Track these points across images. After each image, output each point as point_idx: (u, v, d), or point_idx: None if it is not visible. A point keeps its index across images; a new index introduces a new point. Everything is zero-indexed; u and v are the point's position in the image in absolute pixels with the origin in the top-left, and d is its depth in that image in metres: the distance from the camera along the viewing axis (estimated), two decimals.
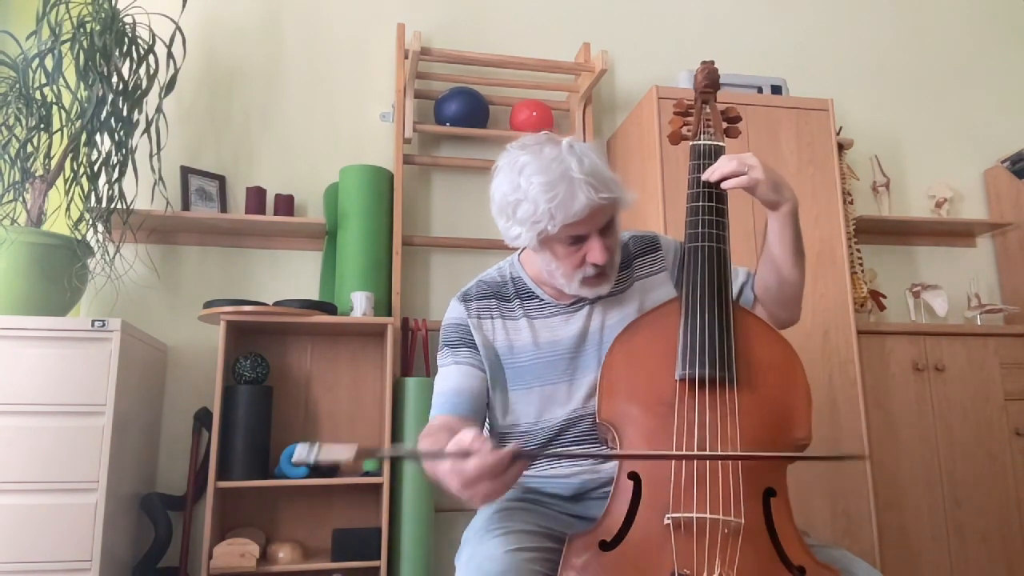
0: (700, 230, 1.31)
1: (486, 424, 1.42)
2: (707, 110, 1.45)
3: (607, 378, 1.23)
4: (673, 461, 1.12)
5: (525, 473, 1.30)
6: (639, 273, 1.43)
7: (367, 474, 2.46)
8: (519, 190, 1.25)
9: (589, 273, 1.31)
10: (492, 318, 1.40)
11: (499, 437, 1.39)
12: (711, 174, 1.31)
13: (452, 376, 1.37)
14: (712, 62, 1.47)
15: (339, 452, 0.93)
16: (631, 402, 1.20)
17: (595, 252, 1.28)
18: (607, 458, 1.15)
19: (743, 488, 1.10)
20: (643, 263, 1.44)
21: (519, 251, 1.49)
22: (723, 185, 1.31)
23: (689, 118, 1.46)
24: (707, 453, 1.12)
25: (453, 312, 1.43)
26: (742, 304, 1.39)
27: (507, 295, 1.43)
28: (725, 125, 1.46)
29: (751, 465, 1.12)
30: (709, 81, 1.45)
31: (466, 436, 1.02)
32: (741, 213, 2.34)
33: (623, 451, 1.16)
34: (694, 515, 1.08)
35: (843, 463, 2.47)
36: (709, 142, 1.39)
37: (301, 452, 0.95)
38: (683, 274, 1.31)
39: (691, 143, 1.42)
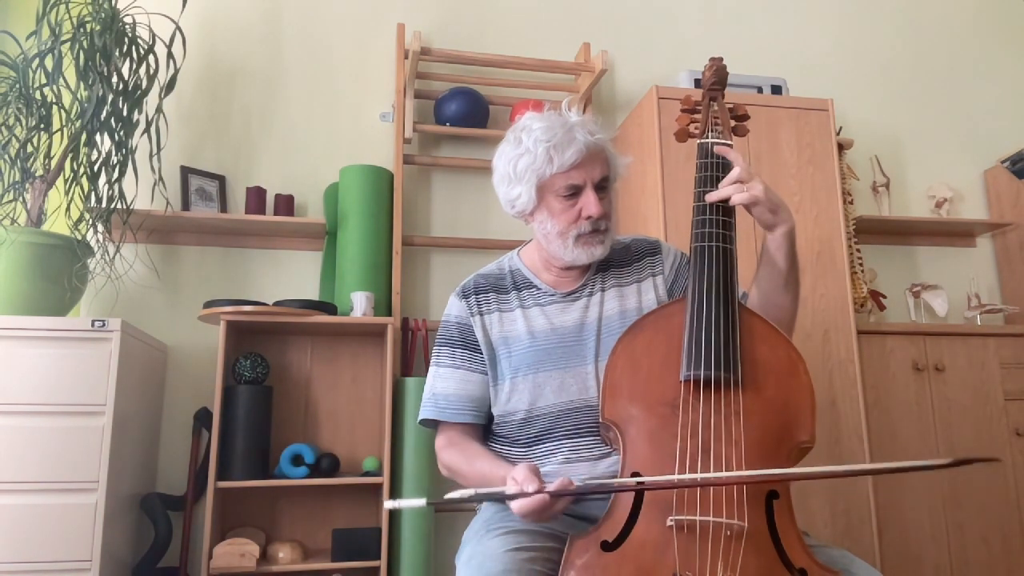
0: (707, 230, 1.29)
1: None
2: (715, 107, 1.43)
3: (610, 378, 1.22)
4: (676, 460, 1.12)
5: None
6: (638, 275, 1.45)
7: (367, 474, 2.46)
8: (521, 145, 1.34)
9: (584, 230, 1.35)
10: (491, 312, 1.43)
11: (498, 426, 1.41)
12: (713, 197, 1.30)
13: (452, 379, 1.41)
14: (720, 58, 1.44)
15: (412, 503, 1.07)
16: (634, 402, 1.20)
17: (591, 205, 1.33)
18: (635, 490, 1.11)
19: (747, 492, 1.09)
20: (643, 265, 1.46)
21: (518, 248, 1.53)
22: (732, 203, 1.29)
23: (696, 115, 1.44)
24: (731, 475, 1.09)
25: (454, 309, 1.47)
26: None
27: (504, 287, 1.46)
28: (733, 123, 1.44)
29: (754, 468, 1.11)
30: (717, 78, 1.42)
31: (519, 472, 1.11)
32: (740, 211, 2.34)
33: (648, 481, 1.12)
34: (697, 518, 1.07)
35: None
36: (717, 140, 1.37)
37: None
38: (689, 274, 1.30)
39: (698, 141, 1.40)
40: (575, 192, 1.34)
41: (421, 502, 1.04)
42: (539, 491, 1.07)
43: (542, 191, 1.35)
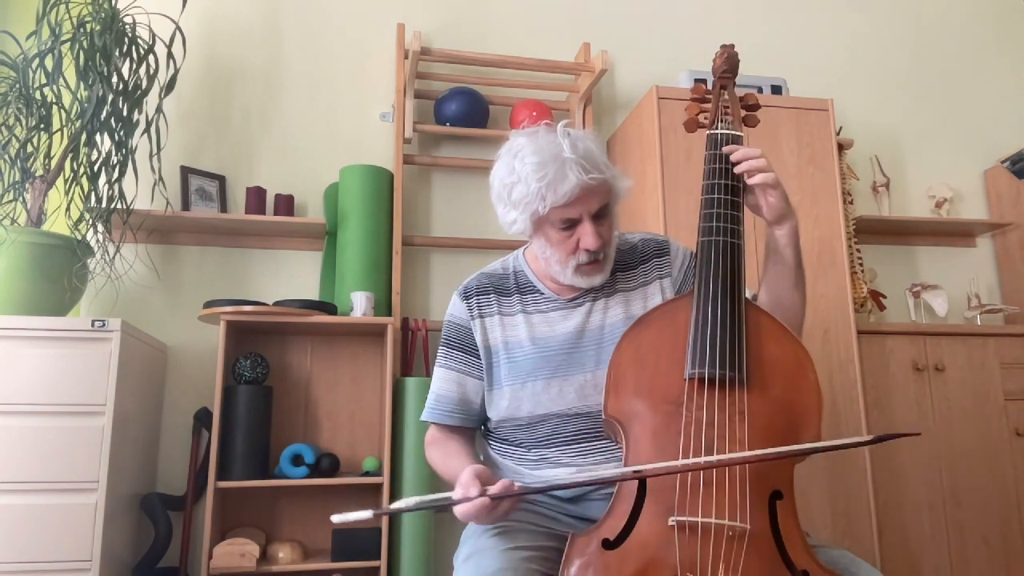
0: (715, 224, 1.26)
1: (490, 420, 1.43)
2: (725, 96, 1.38)
3: (614, 373, 1.20)
4: (679, 460, 1.11)
5: (526, 481, 1.32)
6: (644, 278, 1.41)
7: (367, 474, 2.46)
8: (514, 173, 1.29)
9: (583, 260, 1.31)
10: (491, 315, 1.41)
11: (498, 430, 1.41)
12: (738, 155, 1.27)
13: (447, 381, 1.41)
14: (732, 45, 1.39)
15: (359, 515, 1.04)
16: (638, 399, 1.18)
17: (587, 237, 1.29)
18: (592, 483, 1.13)
19: (750, 492, 1.08)
20: (650, 267, 1.42)
21: (524, 247, 1.50)
22: (750, 181, 1.27)
23: (706, 104, 1.39)
24: (710, 460, 1.09)
25: (455, 309, 1.44)
26: None
27: (507, 289, 1.43)
28: (743, 113, 1.39)
29: (759, 468, 1.10)
30: (728, 66, 1.39)
31: (464, 476, 1.12)
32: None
33: (620, 469, 1.12)
34: (699, 519, 1.06)
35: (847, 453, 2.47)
36: (727, 131, 1.34)
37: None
38: (696, 269, 1.27)
39: (708, 132, 1.35)
40: (572, 224, 1.29)
41: (368, 514, 1.03)
42: (481, 495, 1.07)
43: (538, 222, 1.31)
